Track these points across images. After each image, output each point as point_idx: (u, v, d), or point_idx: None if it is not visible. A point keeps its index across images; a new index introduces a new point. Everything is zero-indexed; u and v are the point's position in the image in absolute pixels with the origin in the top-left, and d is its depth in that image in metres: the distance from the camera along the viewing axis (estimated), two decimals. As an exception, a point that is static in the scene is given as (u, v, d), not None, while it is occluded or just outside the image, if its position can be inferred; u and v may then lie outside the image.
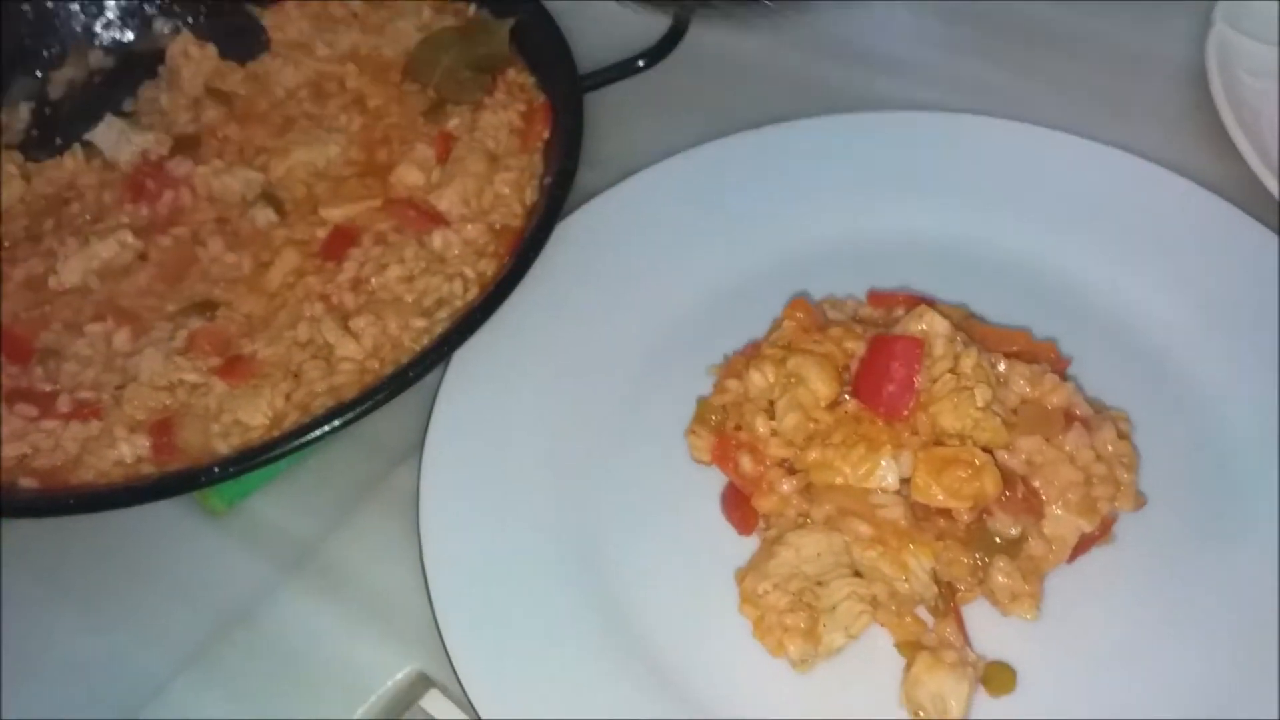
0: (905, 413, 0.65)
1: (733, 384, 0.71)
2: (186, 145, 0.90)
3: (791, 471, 0.67)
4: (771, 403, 0.68)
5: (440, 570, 0.67)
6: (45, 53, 0.97)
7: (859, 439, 0.64)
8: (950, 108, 0.89)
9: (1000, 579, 0.62)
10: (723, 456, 0.70)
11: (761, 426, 0.68)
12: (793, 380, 0.68)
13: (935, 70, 0.97)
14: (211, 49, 0.96)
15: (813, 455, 0.65)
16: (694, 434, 0.72)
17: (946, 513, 0.63)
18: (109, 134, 0.90)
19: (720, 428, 0.70)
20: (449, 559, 0.68)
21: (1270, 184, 0.78)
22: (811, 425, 0.66)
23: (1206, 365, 0.73)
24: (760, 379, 0.69)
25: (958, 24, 1.02)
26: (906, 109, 0.90)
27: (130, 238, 0.82)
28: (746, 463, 0.68)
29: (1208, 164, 0.84)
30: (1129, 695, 0.62)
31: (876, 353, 0.67)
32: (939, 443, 0.64)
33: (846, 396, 0.67)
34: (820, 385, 0.67)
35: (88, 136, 0.91)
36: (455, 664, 0.64)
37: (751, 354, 0.73)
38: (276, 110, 0.93)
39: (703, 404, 0.73)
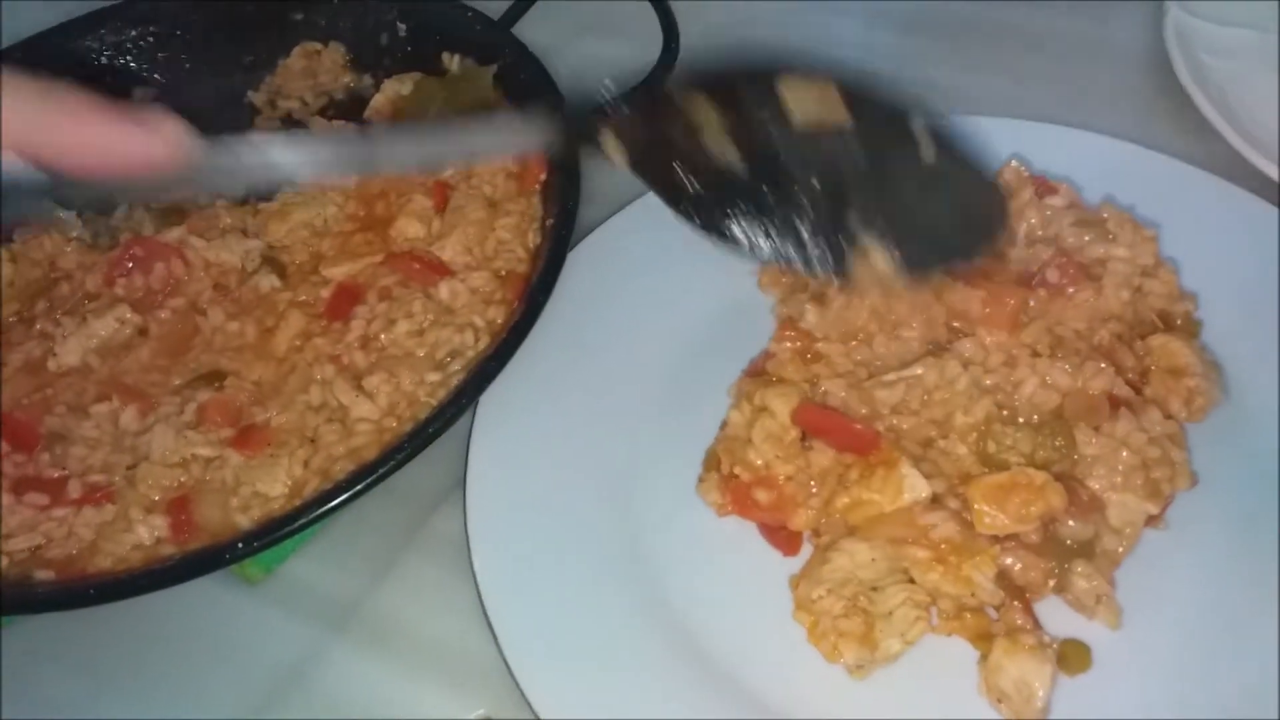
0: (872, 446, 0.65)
1: (735, 416, 0.72)
2: (173, 217, 0.87)
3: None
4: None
5: (502, 610, 0.66)
6: None
7: (874, 465, 0.65)
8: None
9: (1081, 583, 0.62)
10: (741, 505, 0.70)
11: (755, 456, 0.68)
12: (762, 412, 0.69)
13: (904, 80, 0.98)
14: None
15: (842, 501, 0.65)
16: (703, 483, 0.72)
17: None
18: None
19: (726, 475, 0.70)
20: (508, 598, 0.67)
21: (1250, 155, 0.80)
22: (779, 456, 0.67)
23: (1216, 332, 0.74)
24: (738, 416, 0.70)
25: (912, 33, 1.05)
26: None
27: (129, 313, 0.80)
28: (763, 496, 0.68)
29: (1178, 143, 0.86)
30: (1203, 668, 0.62)
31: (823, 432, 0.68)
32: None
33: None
34: (785, 415, 0.68)
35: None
36: (532, 702, 0.62)
37: (751, 373, 0.74)
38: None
39: (709, 453, 0.73)
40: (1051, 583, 0.63)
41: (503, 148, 0.72)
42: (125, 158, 0.48)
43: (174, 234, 0.83)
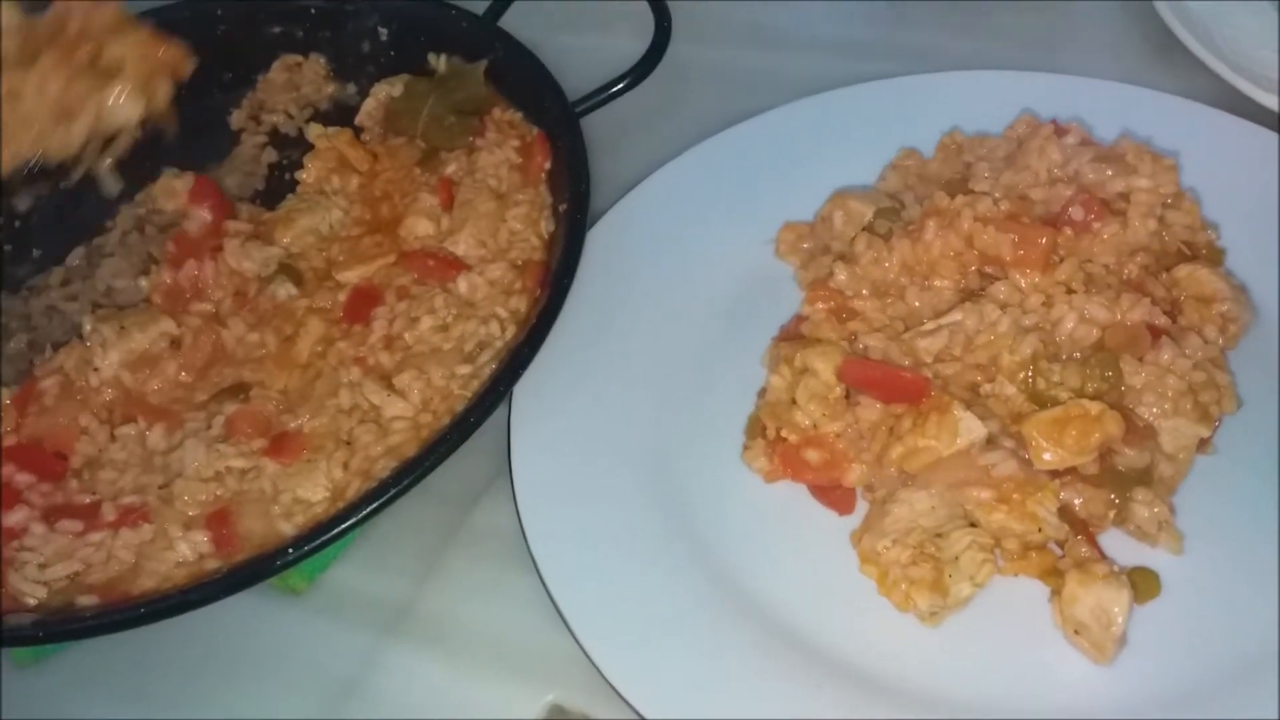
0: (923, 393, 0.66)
1: (776, 381, 0.72)
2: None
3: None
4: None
5: (570, 597, 0.65)
6: (6, 165, 0.93)
7: (925, 412, 0.65)
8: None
9: (1142, 511, 0.62)
10: (792, 467, 0.69)
11: (801, 417, 0.68)
12: (804, 373, 0.69)
13: (890, 45, 1.00)
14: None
15: (896, 451, 0.65)
16: (749, 451, 0.71)
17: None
18: None
19: (772, 440, 0.70)
20: (574, 585, 0.66)
21: (1244, 87, 0.81)
22: (825, 415, 0.67)
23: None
24: (778, 380, 0.70)
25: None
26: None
27: (173, 326, 0.78)
28: (813, 455, 0.68)
29: (1170, 84, 0.86)
30: (1270, 586, 0.62)
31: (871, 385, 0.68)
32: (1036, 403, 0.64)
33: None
34: (828, 373, 0.68)
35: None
36: (614, 683, 0.61)
37: (783, 338, 0.74)
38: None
39: (751, 419, 0.73)
40: (1112, 513, 0.63)
41: None
42: None
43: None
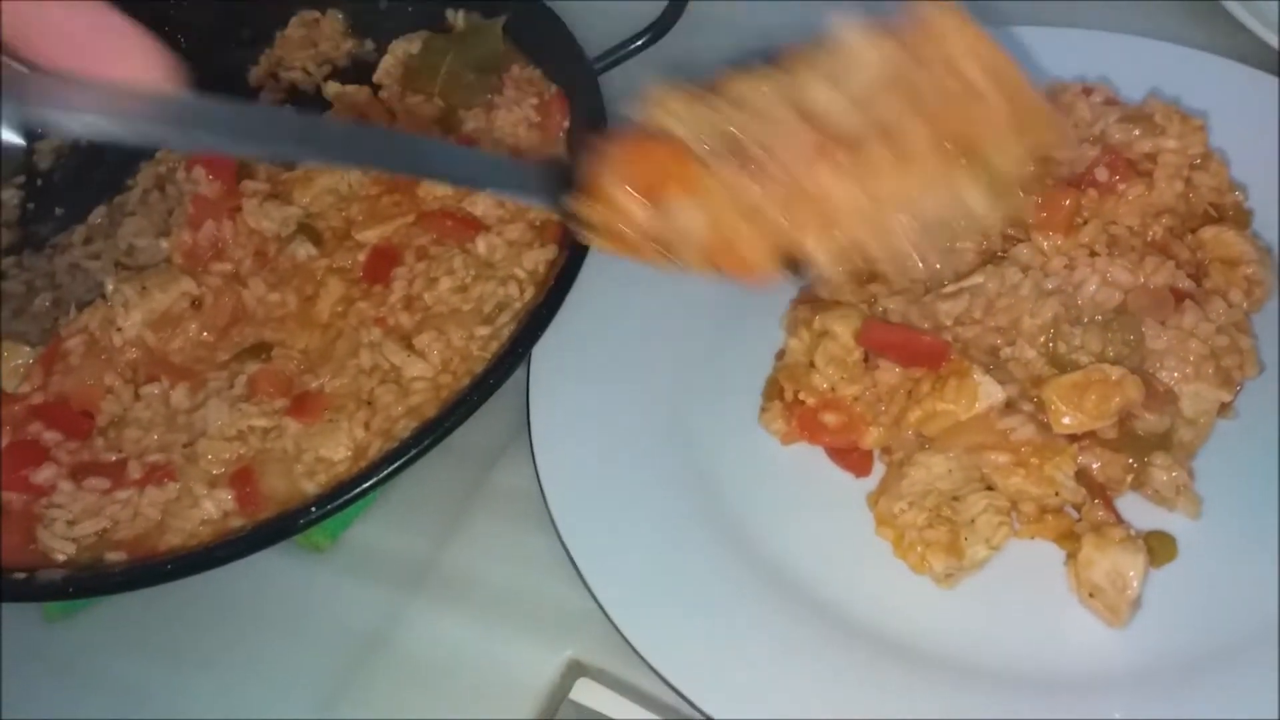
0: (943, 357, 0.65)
1: (794, 344, 0.71)
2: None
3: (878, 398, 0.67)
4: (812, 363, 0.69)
5: (589, 557, 0.65)
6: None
7: (944, 376, 0.64)
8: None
9: (1161, 475, 0.62)
10: (809, 430, 0.69)
11: (819, 380, 0.68)
12: (823, 336, 0.68)
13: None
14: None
15: (915, 415, 0.65)
16: (766, 413, 0.71)
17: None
18: None
19: (790, 402, 0.70)
20: (592, 545, 0.66)
21: (1275, 41, 0.80)
22: (844, 378, 0.67)
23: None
24: (797, 343, 0.70)
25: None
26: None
27: (194, 286, 0.78)
28: (831, 418, 0.68)
29: (1200, 39, 0.85)
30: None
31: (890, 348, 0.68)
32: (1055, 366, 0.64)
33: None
34: (847, 336, 0.68)
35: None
36: (633, 641, 0.62)
37: (802, 300, 0.74)
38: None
39: (769, 382, 0.73)
40: (1130, 478, 0.63)
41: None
42: (101, 60, 0.42)
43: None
